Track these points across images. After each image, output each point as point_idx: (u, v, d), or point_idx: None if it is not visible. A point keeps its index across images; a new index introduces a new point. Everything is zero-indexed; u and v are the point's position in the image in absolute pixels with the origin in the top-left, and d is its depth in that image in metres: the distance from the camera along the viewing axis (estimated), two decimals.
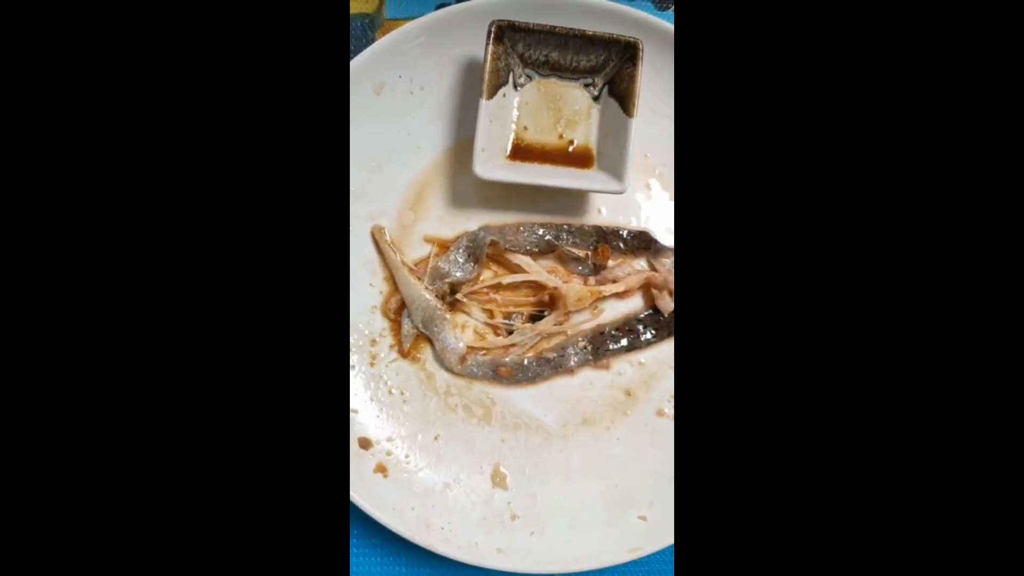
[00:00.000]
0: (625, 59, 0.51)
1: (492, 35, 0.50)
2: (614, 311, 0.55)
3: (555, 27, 0.50)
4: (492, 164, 0.52)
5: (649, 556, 0.54)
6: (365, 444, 0.52)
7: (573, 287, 0.53)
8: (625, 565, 0.54)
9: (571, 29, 0.50)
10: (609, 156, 0.52)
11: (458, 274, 0.53)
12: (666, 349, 0.55)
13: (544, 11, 0.52)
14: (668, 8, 0.60)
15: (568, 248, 0.54)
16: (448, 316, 0.54)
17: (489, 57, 0.50)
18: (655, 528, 0.51)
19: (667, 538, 0.50)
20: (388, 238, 0.54)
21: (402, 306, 0.53)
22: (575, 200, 0.55)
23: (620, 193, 0.51)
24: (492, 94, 0.51)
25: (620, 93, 0.52)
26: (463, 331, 0.54)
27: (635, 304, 0.55)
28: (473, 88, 0.53)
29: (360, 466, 0.51)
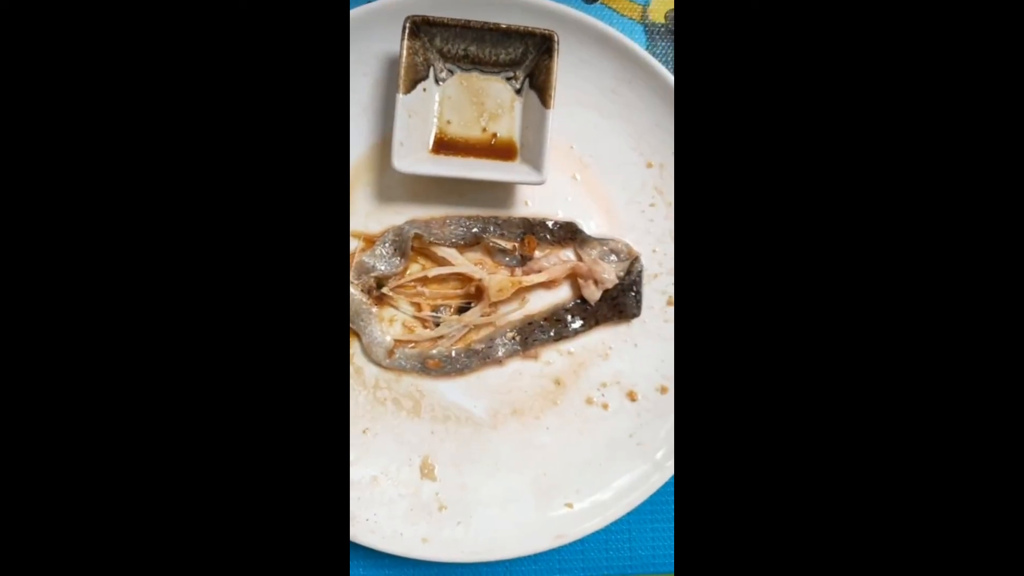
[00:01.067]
0: (542, 51, 0.52)
1: (407, 30, 0.50)
2: (543, 301, 0.55)
3: (470, 21, 0.51)
4: (413, 158, 0.52)
5: (583, 544, 0.55)
6: None
7: (495, 278, 0.53)
8: (560, 552, 0.54)
9: (486, 23, 0.51)
10: (530, 148, 0.53)
11: (383, 268, 0.54)
12: (595, 338, 0.55)
13: (470, 6, 0.52)
14: (595, 1, 0.61)
15: (494, 240, 0.55)
16: (374, 310, 0.54)
17: (404, 52, 0.51)
18: (580, 515, 0.51)
19: (592, 523, 0.51)
20: None
21: None
22: (502, 193, 0.55)
23: (539, 184, 0.52)
24: (410, 89, 0.52)
25: (539, 85, 0.53)
26: (391, 325, 0.54)
27: (564, 294, 0.56)
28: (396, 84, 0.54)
29: None
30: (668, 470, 0.52)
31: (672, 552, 0.55)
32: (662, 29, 0.61)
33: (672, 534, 0.55)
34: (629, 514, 0.52)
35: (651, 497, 0.52)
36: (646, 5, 0.61)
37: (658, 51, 0.60)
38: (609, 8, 0.61)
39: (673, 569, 0.55)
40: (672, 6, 0.61)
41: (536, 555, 0.54)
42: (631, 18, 0.61)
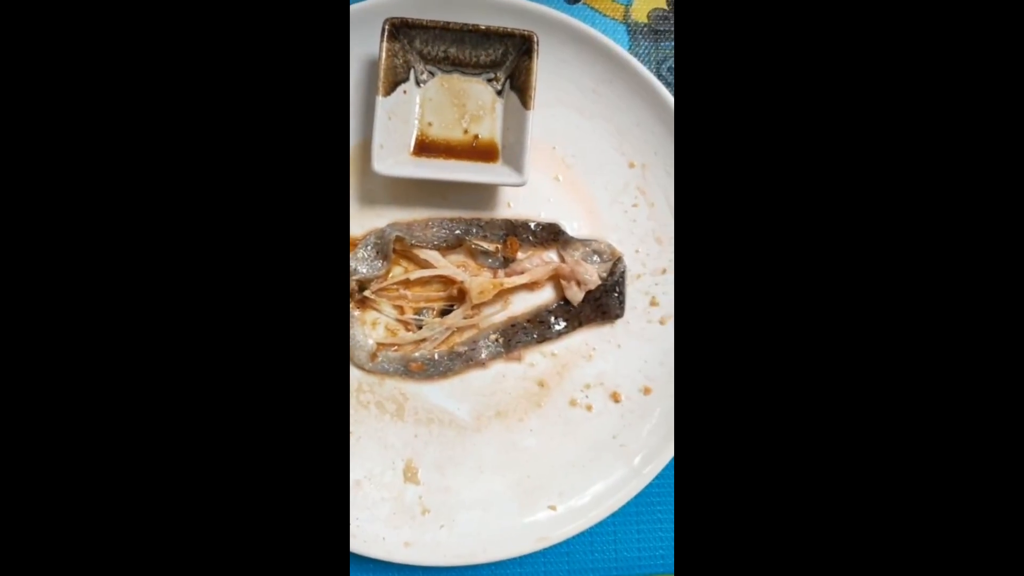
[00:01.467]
0: (522, 52, 0.52)
1: (386, 32, 0.50)
2: (526, 303, 0.55)
3: (449, 23, 0.51)
4: (394, 160, 0.52)
5: (569, 546, 0.54)
6: None
7: (477, 280, 0.53)
8: (545, 554, 0.54)
9: (465, 24, 0.51)
10: (511, 149, 0.53)
11: (365, 271, 0.53)
12: (578, 339, 0.55)
13: (451, 8, 0.52)
14: (577, 1, 0.60)
15: (477, 242, 0.54)
16: (357, 313, 0.54)
17: (384, 54, 0.50)
18: (563, 517, 0.51)
19: (575, 526, 0.50)
20: None
21: None
22: (484, 195, 0.55)
23: (520, 185, 0.51)
24: (390, 91, 0.51)
25: (519, 86, 0.52)
26: (373, 328, 0.54)
27: (546, 296, 0.55)
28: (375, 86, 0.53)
29: None
30: (646, 476, 0.52)
31: (657, 552, 0.55)
32: (645, 29, 0.60)
33: (657, 535, 0.55)
34: (614, 515, 0.52)
35: (635, 498, 0.52)
36: (628, 5, 0.60)
37: (641, 51, 0.60)
38: (591, 8, 0.60)
39: (659, 570, 0.55)
40: (655, 5, 0.60)
41: (521, 557, 0.53)
42: (613, 18, 0.60)
